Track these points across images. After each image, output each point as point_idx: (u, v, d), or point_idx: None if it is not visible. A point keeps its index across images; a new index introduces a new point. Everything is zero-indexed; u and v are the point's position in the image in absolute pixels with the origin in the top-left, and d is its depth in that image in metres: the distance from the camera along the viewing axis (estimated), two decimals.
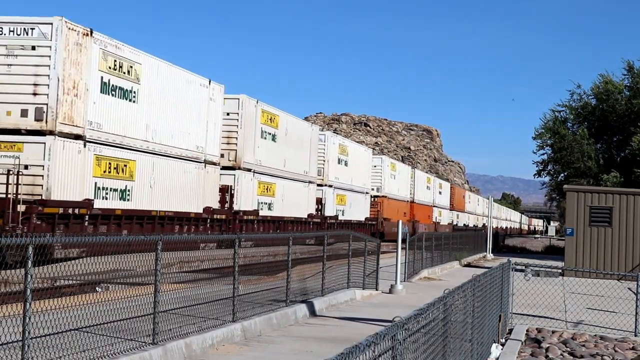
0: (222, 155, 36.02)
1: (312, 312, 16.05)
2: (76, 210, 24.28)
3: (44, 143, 23.62)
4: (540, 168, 55.62)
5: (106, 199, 26.47)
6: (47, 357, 9.02)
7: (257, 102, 38.81)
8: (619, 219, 30.96)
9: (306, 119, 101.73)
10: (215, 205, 34.79)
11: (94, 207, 25.33)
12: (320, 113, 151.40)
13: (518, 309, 17.35)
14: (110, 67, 26.44)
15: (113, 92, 26.75)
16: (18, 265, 9.38)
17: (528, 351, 13.45)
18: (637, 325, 15.94)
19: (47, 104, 23.73)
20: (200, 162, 33.45)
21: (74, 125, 24.64)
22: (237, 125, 37.09)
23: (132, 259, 11.64)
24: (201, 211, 33.06)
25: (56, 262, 10.29)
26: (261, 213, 39.17)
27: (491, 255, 46.27)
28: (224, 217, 35.14)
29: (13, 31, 24.04)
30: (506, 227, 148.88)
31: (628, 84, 51.71)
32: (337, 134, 79.56)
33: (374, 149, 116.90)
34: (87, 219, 24.92)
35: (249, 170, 38.09)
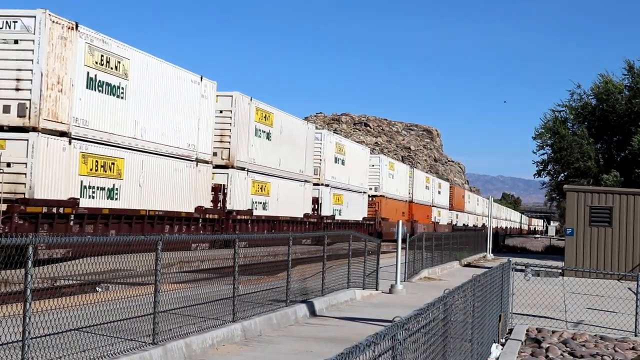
0: (215, 154, 35.54)
1: (312, 312, 16.04)
2: (61, 210, 23.65)
3: (27, 140, 22.98)
4: (540, 168, 55.64)
5: (93, 198, 25.86)
6: (47, 357, 9.01)
7: (251, 99, 38.33)
8: (619, 219, 30.96)
9: (306, 119, 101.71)
10: (208, 204, 34.29)
11: (80, 206, 24.76)
12: (320, 113, 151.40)
13: (518, 309, 17.34)
14: (96, 62, 25.81)
15: (100, 88, 26.13)
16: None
17: (528, 351, 13.44)
18: (637, 325, 15.93)
19: (30, 100, 23.09)
20: (192, 161, 32.92)
21: (58, 122, 24.04)
22: (231, 123, 36.61)
23: (132, 259, 11.63)
24: (193, 211, 32.54)
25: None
26: (255, 213, 38.73)
27: (491, 255, 46.25)
28: (216, 216, 34.64)
29: None
30: (506, 227, 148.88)
31: (628, 84, 51.72)
32: (337, 134, 79.45)
33: (374, 149, 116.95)
34: (72, 218, 24.31)
35: (243, 169, 37.64)
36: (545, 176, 57.05)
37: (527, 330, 15.50)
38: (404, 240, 23.76)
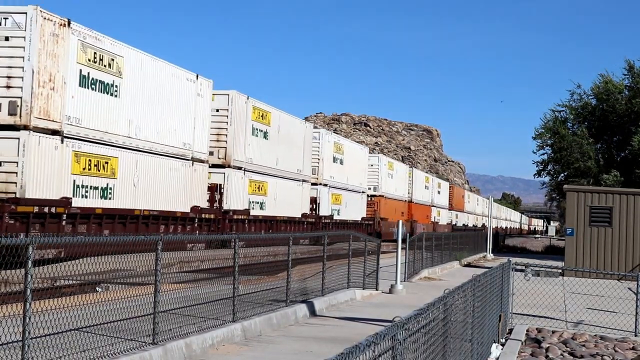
0: (211, 153, 35.13)
1: (312, 312, 16.04)
2: (53, 209, 23.22)
3: (18, 138, 22.53)
4: (540, 168, 55.65)
5: (86, 197, 25.42)
6: (47, 357, 9.01)
7: (248, 98, 37.90)
8: (619, 219, 30.96)
9: (306, 119, 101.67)
10: (204, 204, 33.83)
11: (72, 205, 24.30)
12: (320, 113, 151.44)
13: (518, 309, 17.34)
14: (89, 60, 25.40)
15: (93, 86, 25.73)
16: None
17: (528, 351, 13.44)
18: (637, 325, 15.93)
19: (21, 98, 22.65)
20: (188, 160, 32.44)
21: (50, 120, 23.56)
22: (227, 122, 36.20)
23: (132, 259, 11.63)
24: (188, 210, 32.11)
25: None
26: (252, 212, 38.34)
27: (491, 255, 46.25)
28: (212, 216, 34.18)
29: None
30: (506, 227, 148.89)
31: (628, 84, 51.72)
32: (338, 134, 79.34)
33: (374, 149, 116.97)
34: (64, 218, 23.87)
35: (240, 168, 37.26)
36: (545, 176, 57.11)
37: (527, 330, 15.50)
38: (403, 240, 23.77)
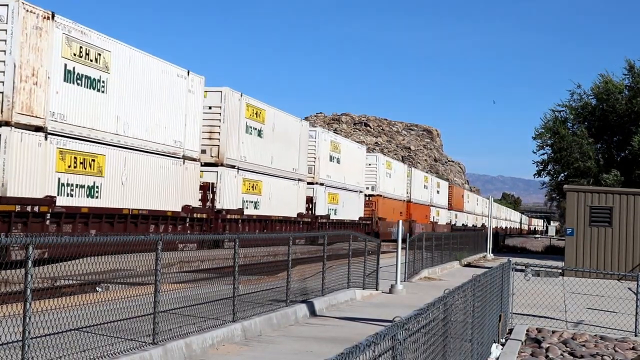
0: (203, 151, 34.42)
1: (313, 312, 16.04)
2: (36, 208, 22.45)
3: None
4: (540, 168, 55.64)
5: (71, 195, 24.71)
6: (47, 357, 9.01)
7: (242, 95, 37.22)
8: (619, 219, 30.96)
9: (306, 119, 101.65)
10: (196, 203, 33.13)
11: (57, 204, 23.54)
12: (321, 113, 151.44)
13: (518, 309, 17.34)
14: (75, 54, 24.68)
15: (79, 81, 25.00)
16: None
17: (528, 351, 13.44)
18: (637, 325, 15.94)
19: (2, 93, 21.90)
20: (179, 158, 31.65)
21: (33, 116, 22.81)
22: (220, 120, 35.52)
23: (132, 259, 11.63)
24: (179, 210, 31.40)
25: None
26: (246, 212, 37.71)
27: (491, 255, 46.25)
28: (205, 216, 33.51)
29: None
30: (506, 227, 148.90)
31: (628, 84, 51.73)
32: (338, 133, 79.18)
33: (374, 148, 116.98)
34: (48, 217, 23.12)
35: (233, 166, 36.59)
36: (545, 176, 57.10)
37: (527, 330, 15.50)
38: (403, 240, 23.77)
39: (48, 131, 23.57)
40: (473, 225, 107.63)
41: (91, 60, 25.60)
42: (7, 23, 22.14)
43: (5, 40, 22.09)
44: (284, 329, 14.07)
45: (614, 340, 14.88)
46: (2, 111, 21.94)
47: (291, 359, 11.52)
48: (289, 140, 43.81)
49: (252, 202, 38.79)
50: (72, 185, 24.83)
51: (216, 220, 34.72)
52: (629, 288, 23.91)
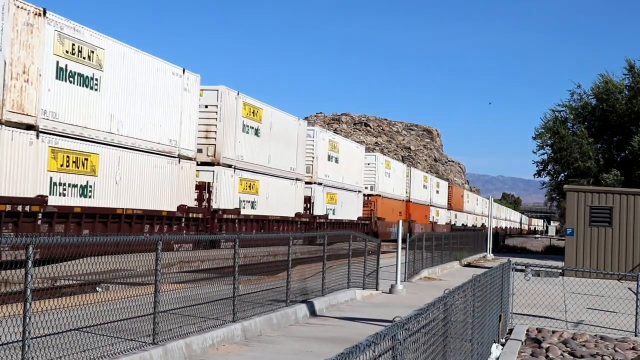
0: (199, 150, 34.17)
1: (313, 312, 16.04)
2: (27, 208, 22.18)
3: None
4: (540, 168, 55.63)
5: (64, 195, 24.39)
6: (47, 357, 9.01)
7: (238, 93, 36.94)
8: (619, 219, 30.96)
9: (306, 119, 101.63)
10: (192, 203, 32.84)
11: (49, 204, 23.23)
12: (321, 113, 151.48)
13: (518, 309, 17.34)
14: (67, 52, 24.38)
15: (71, 79, 24.70)
16: None
17: (528, 351, 13.44)
18: (637, 325, 15.93)
19: None
20: (174, 157, 31.33)
21: (24, 114, 22.48)
22: (216, 119, 35.29)
23: (132, 259, 11.62)
24: (175, 209, 31.04)
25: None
26: (243, 212, 37.43)
27: (491, 255, 46.24)
28: (201, 216, 33.19)
29: None
30: (506, 227, 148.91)
31: (628, 84, 51.72)
32: (338, 133, 79.08)
33: (374, 148, 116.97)
34: (40, 217, 22.82)
35: (230, 166, 36.29)
36: (545, 176, 57.08)
37: (527, 330, 15.50)
38: (403, 240, 23.77)
39: (40, 129, 23.30)
40: (473, 225, 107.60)
41: (84, 58, 25.33)
42: None
43: None
44: (284, 329, 14.07)
45: (614, 340, 14.88)
46: None
47: (291, 359, 11.52)
48: (287, 139, 43.50)
49: (249, 201, 38.52)
50: (64, 184, 24.54)
51: (212, 220, 34.45)
52: (629, 288, 23.91)
